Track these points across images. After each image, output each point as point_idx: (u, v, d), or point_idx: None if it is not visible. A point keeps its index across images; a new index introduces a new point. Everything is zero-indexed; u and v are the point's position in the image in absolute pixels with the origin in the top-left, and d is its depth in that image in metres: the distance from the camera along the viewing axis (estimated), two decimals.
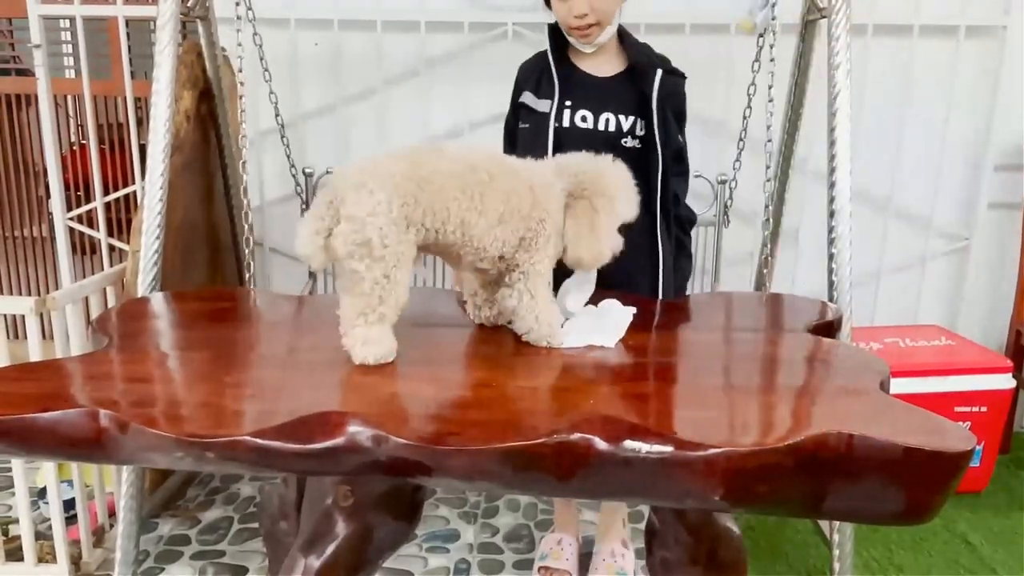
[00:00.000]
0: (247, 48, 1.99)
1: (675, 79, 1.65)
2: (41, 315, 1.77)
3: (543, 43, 2.49)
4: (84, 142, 2.80)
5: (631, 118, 1.62)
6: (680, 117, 1.68)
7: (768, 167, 1.94)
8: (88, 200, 2.69)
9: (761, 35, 1.95)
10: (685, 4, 2.47)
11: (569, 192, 1.24)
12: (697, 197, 2.42)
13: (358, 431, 0.91)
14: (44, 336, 1.84)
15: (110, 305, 2.06)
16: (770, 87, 1.90)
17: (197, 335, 1.33)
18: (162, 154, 1.80)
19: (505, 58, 2.48)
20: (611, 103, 1.61)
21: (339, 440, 0.91)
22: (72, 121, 3.17)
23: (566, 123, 1.61)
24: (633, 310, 1.29)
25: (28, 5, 2.46)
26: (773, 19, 1.89)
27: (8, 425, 0.96)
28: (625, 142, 1.62)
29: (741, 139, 2.14)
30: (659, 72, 1.61)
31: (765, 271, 2.00)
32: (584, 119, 1.62)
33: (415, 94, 2.57)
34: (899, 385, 2.07)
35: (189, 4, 1.98)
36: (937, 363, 2.30)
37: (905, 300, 2.77)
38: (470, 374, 1.13)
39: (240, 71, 2.00)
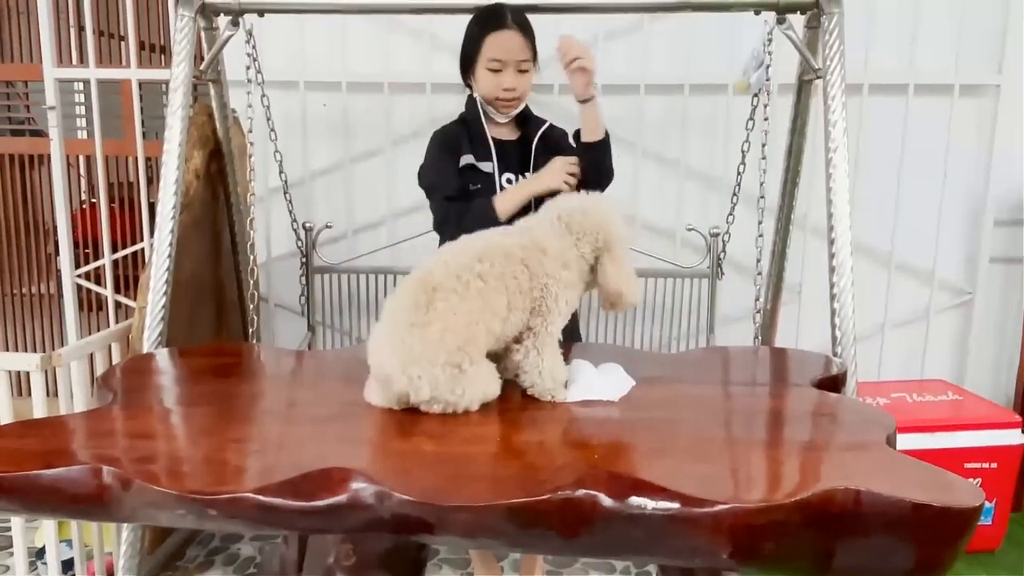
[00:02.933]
0: (256, 109, 2.04)
1: (556, 131, 1.87)
2: (46, 372, 1.77)
3: (546, 103, 2.57)
4: (94, 201, 2.85)
5: (529, 173, 1.81)
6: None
7: (760, 222, 1.97)
8: (96, 257, 2.72)
9: (756, 95, 2.00)
10: (683, 66, 2.54)
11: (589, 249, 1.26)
12: (694, 249, 2.45)
13: (361, 487, 0.90)
14: (49, 393, 1.84)
15: (115, 362, 2.07)
16: (763, 145, 1.94)
17: (200, 390, 1.33)
18: (171, 212, 1.84)
19: None
20: (520, 163, 1.80)
21: (342, 497, 0.90)
22: (83, 180, 3.24)
23: (504, 183, 1.78)
24: (634, 380, 1.29)
25: (44, 68, 2.54)
26: (767, 80, 1.94)
27: (11, 482, 0.96)
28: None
29: (735, 194, 2.17)
30: (544, 125, 1.84)
31: (757, 324, 2.01)
32: (509, 180, 1.79)
33: (420, 153, 2.61)
34: (906, 441, 2.06)
35: (201, 68, 2.04)
36: (945, 418, 2.28)
37: (911, 355, 2.76)
38: (473, 428, 1.13)
39: (250, 131, 2.05)
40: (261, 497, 0.90)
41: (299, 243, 2.43)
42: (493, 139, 1.79)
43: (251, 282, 2.07)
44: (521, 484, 0.91)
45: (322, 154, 2.68)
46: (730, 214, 2.20)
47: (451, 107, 2.60)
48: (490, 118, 1.80)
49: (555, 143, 1.83)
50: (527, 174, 1.80)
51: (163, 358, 1.55)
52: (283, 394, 1.36)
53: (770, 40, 1.92)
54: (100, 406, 1.25)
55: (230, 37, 1.98)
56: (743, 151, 2.08)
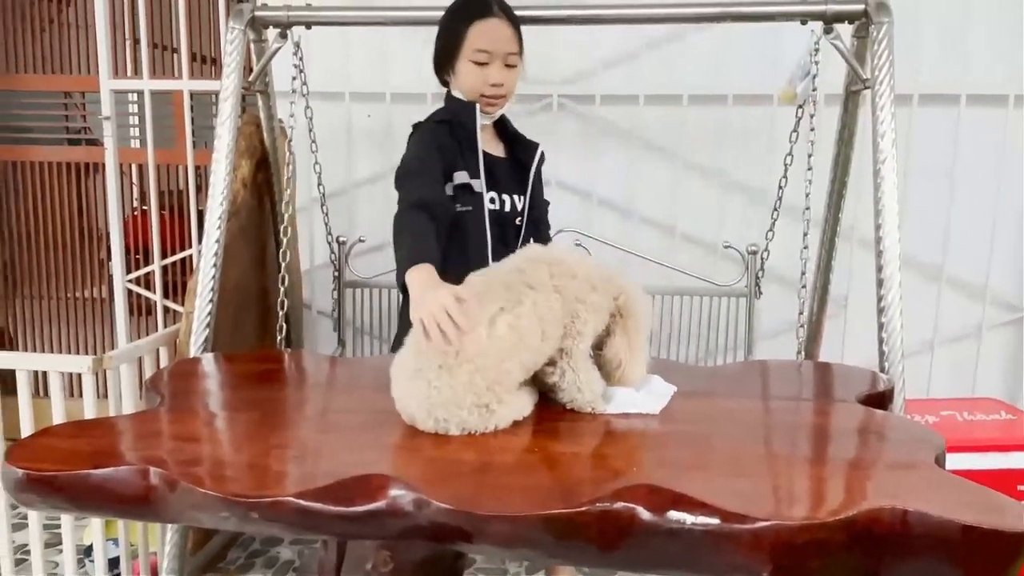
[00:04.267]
0: (299, 120, 2.08)
1: (542, 152, 1.71)
2: (97, 374, 1.82)
3: (587, 113, 2.58)
4: (145, 208, 2.93)
5: (521, 197, 1.65)
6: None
7: (805, 234, 1.94)
8: (147, 263, 2.80)
9: (801, 106, 1.97)
10: (725, 75, 2.52)
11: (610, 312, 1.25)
12: (733, 263, 2.41)
13: (400, 495, 0.91)
14: (99, 395, 1.89)
15: (163, 365, 2.12)
16: (810, 156, 1.91)
17: (244, 395, 1.36)
18: (218, 221, 1.88)
19: (550, 128, 2.56)
20: (508, 183, 1.63)
21: (380, 503, 0.91)
22: (135, 188, 3.33)
23: (489, 203, 1.59)
24: (675, 388, 1.28)
25: (100, 80, 2.63)
26: (814, 90, 1.91)
27: (61, 481, 0.99)
28: (517, 221, 1.66)
29: (776, 208, 2.13)
30: (539, 150, 1.67)
31: (800, 339, 1.97)
32: (493, 200, 1.61)
33: None
34: (956, 461, 1.99)
35: (250, 80, 2.08)
36: (997, 438, 2.21)
37: (961, 372, 2.68)
38: (512, 438, 1.13)
39: (290, 141, 2.09)
40: (301, 501, 0.92)
41: (332, 256, 2.46)
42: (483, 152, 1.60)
43: (281, 290, 2.10)
44: (559, 495, 0.91)
45: (364, 164, 2.72)
46: (770, 230, 2.16)
47: None
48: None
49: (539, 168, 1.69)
50: (516, 197, 1.63)
51: (208, 363, 1.59)
52: (321, 401, 1.38)
53: (817, 50, 1.89)
54: (148, 408, 1.28)
55: (278, 49, 2.03)
56: (786, 164, 2.05)
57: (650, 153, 2.61)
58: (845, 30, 1.85)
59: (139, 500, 0.98)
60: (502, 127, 1.70)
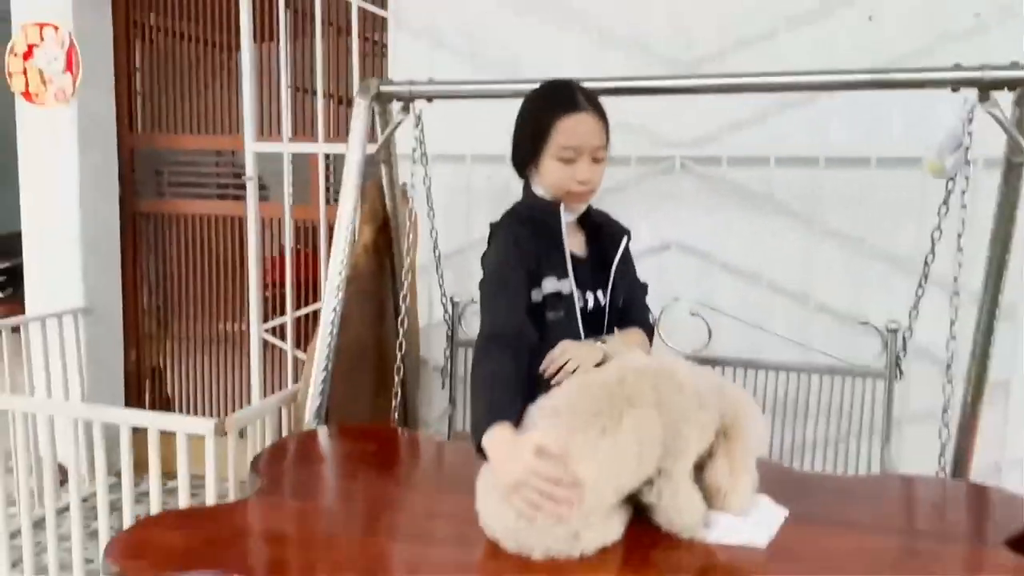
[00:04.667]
0: (418, 187, 2.13)
1: (627, 236, 1.58)
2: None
3: (710, 175, 2.46)
4: (298, 247, 3.13)
5: (605, 291, 1.51)
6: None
7: (953, 322, 1.74)
8: (284, 307, 2.95)
9: (952, 179, 1.78)
10: (867, 137, 2.33)
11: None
12: (870, 338, 2.20)
13: None
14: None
15: (284, 421, 2.19)
16: (959, 236, 1.72)
17: (342, 486, 1.37)
18: (336, 289, 1.95)
19: (671, 192, 2.47)
20: (594, 279, 1.51)
21: None
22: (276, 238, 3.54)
23: (580, 305, 1.47)
24: (786, 511, 1.16)
25: (245, 143, 2.81)
26: (967, 163, 1.72)
27: None
28: (607, 316, 1.52)
29: (921, 285, 1.93)
30: (625, 239, 1.56)
31: (942, 439, 1.75)
32: (586, 303, 1.49)
33: None
34: None
35: (373, 153, 2.15)
36: None
37: None
38: (600, 565, 1.05)
39: (411, 210, 2.14)
40: None
41: (446, 316, 2.48)
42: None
43: (398, 356, 2.13)
44: None
45: (482, 223, 2.72)
46: (914, 308, 1.96)
47: (615, 179, 2.56)
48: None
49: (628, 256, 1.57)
50: (601, 292, 1.50)
51: (314, 441, 1.62)
52: (417, 500, 1.35)
53: (970, 120, 1.70)
54: (250, 495, 1.31)
55: (400, 123, 2.08)
56: (933, 239, 1.85)
57: (781, 217, 2.45)
58: (1004, 96, 1.66)
59: None
60: (585, 216, 1.56)
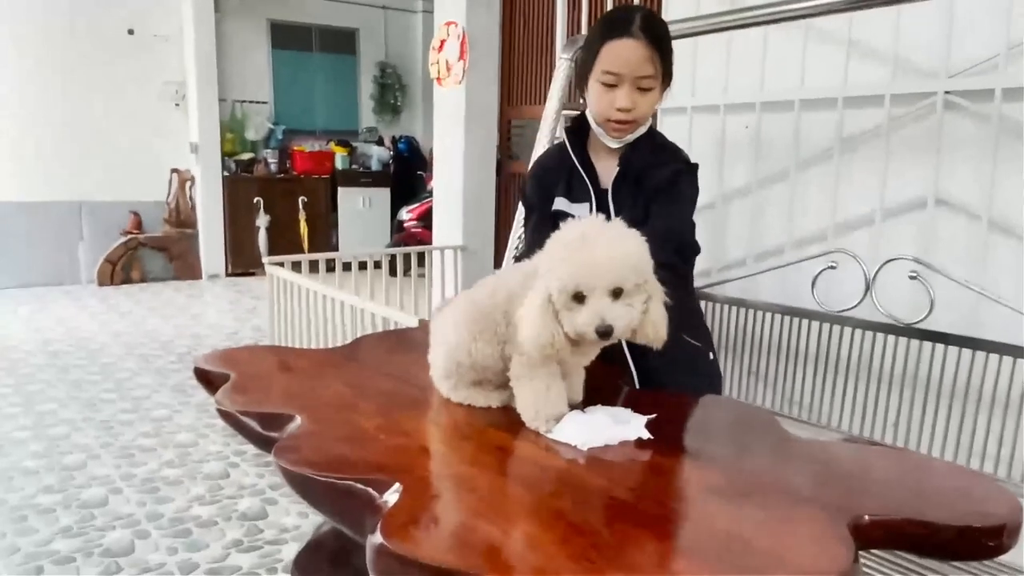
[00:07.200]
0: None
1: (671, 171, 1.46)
2: None
3: (988, 114, 1.97)
4: None
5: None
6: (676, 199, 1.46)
7: None
8: None
9: None
10: None
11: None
12: None
13: None
14: None
15: None
16: None
17: None
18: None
19: (932, 135, 2.04)
20: (616, 209, 1.46)
21: None
22: None
23: None
24: (641, 434, 1.06)
25: None
26: None
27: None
28: None
29: None
30: (672, 169, 1.45)
31: None
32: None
33: (828, 176, 2.33)
34: None
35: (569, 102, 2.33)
36: None
37: None
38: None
39: None
40: None
41: None
42: (593, 176, 1.50)
43: None
44: None
45: (738, 176, 2.63)
46: None
47: (865, 123, 2.22)
48: (596, 147, 1.53)
49: (655, 180, 1.44)
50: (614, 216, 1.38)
51: None
52: None
53: None
54: None
55: None
56: None
57: None
58: None
59: None
60: (631, 148, 1.49)
